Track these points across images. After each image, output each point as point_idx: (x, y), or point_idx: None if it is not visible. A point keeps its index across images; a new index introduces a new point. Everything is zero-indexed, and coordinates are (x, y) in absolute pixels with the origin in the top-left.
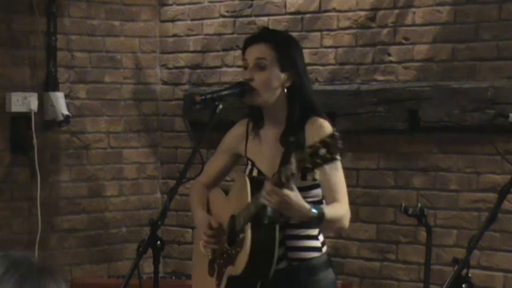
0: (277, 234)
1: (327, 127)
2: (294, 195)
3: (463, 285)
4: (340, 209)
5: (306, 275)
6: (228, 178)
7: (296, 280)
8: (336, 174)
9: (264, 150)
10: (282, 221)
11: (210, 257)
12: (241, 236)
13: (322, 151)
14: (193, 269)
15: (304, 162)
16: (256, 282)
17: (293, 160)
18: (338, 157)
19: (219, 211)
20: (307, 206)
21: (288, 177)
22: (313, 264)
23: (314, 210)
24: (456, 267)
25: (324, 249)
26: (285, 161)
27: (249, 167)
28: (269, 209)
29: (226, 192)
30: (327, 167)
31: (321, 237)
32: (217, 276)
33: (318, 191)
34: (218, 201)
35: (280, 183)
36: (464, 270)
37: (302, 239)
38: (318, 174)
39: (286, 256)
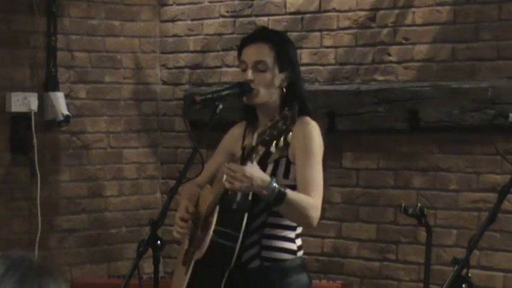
0: (244, 222)
1: (311, 125)
2: (255, 170)
3: (463, 285)
4: (307, 200)
5: (278, 276)
6: None
7: (267, 280)
8: (313, 169)
9: None
10: (250, 207)
11: (186, 246)
12: (210, 219)
13: (280, 123)
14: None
15: (263, 135)
16: (224, 272)
17: (255, 135)
18: (291, 127)
19: (204, 203)
20: (269, 178)
21: (249, 151)
22: (286, 267)
23: (275, 184)
24: (456, 267)
25: (300, 253)
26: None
27: None
28: (239, 194)
29: None
30: (303, 160)
31: (298, 241)
32: (187, 264)
33: None
34: (205, 195)
35: (243, 160)
36: (464, 270)
37: (278, 240)
38: (291, 156)
39: (259, 255)
